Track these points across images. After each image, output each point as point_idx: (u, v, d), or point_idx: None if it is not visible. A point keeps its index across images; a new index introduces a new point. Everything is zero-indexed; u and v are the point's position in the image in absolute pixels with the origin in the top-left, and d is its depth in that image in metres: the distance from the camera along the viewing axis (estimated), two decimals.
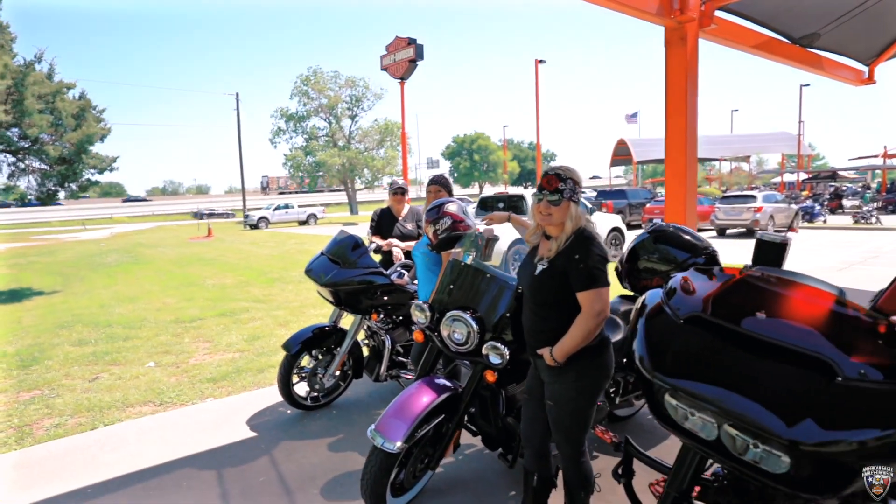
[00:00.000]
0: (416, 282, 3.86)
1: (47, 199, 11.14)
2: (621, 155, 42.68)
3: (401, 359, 4.07)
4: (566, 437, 2.25)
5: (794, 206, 19.65)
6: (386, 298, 3.94)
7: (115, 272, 12.92)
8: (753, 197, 18.02)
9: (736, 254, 13.41)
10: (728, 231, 18.48)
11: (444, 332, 2.66)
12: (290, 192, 61.73)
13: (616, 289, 2.70)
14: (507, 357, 2.46)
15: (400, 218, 4.64)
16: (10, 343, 6.57)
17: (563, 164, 2.29)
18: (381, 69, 18.30)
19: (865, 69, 9.35)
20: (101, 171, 11.52)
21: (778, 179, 42.29)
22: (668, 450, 3.04)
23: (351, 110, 41.38)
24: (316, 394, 4.08)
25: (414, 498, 2.81)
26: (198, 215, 37.48)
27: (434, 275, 3.40)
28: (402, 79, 17.98)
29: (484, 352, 2.51)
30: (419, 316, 2.78)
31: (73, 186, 11.18)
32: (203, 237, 23.51)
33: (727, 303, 1.46)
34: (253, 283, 10.67)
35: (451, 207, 3.04)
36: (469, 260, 2.81)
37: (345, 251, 3.88)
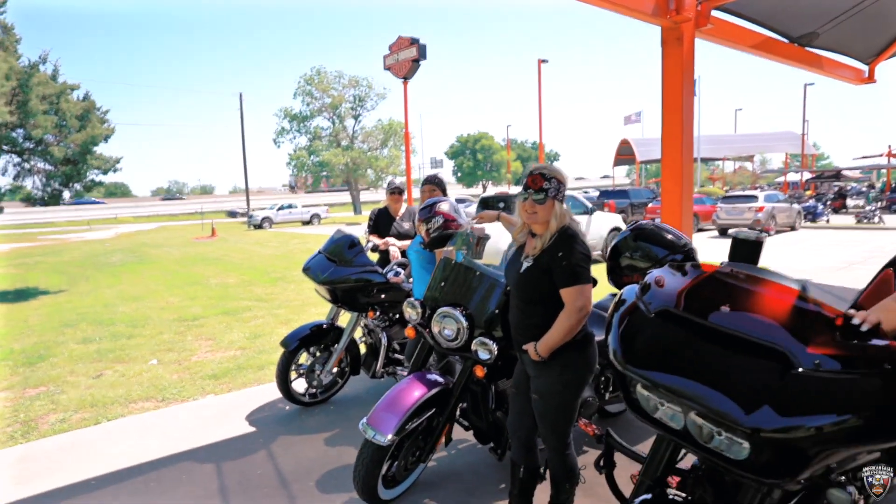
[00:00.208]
0: (411, 280, 3.93)
1: (52, 199, 11.26)
2: (625, 154, 42.66)
3: (397, 356, 4.15)
4: (552, 429, 2.32)
5: (797, 206, 19.60)
6: (382, 296, 4.01)
7: (120, 272, 13.06)
8: (755, 197, 18.00)
9: None
10: (730, 231, 18.46)
11: (435, 329, 2.73)
12: (320, 191, 61.35)
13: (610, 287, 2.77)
14: (496, 352, 2.52)
15: (397, 217, 4.72)
16: (17, 341, 6.68)
17: (548, 164, 2.35)
18: (385, 69, 18.38)
19: (866, 68, 9.35)
20: (104, 172, 11.64)
21: (782, 179, 42.18)
22: (651, 442, 3.11)
23: (354, 110, 41.51)
24: (314, 390, 4.16)
25: (406, 490, 2.88)
26: (231, 214, 36.02)
27: (428, 273, 3.47)
28: (406, 78, 18.05)
29: (473, 347, 2.58)
30: (411, 313, 2.85)
31: (78, 187, 11.31)
32: (207, 237, 23.66)
33: (696, 297, 1.52)
34: (256, 282, 10.77)
35: (443, 206, 3.11)
36: (461, 258, 2.88)
37: (341, 250, 3.95)
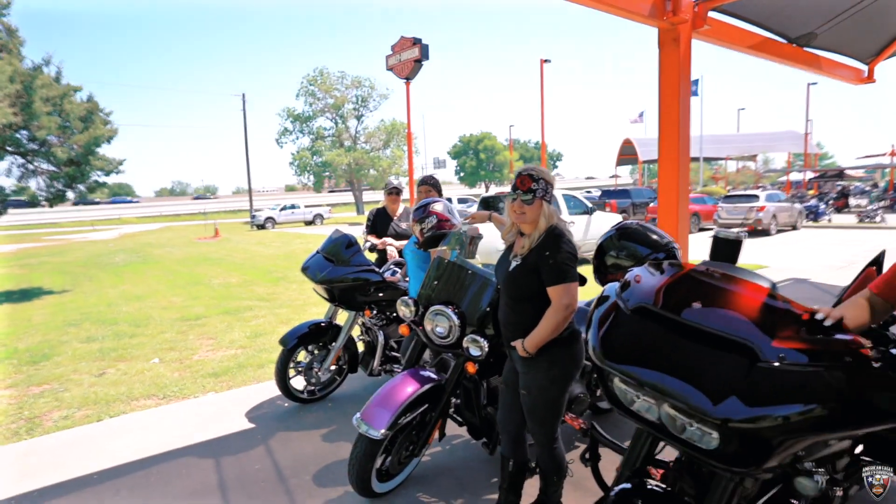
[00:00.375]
0: (407, 279, 3.99)
1: (55, 200, 11.35)
2: (627, 154, 42.64)
3: (394, 353, 4.21)
4: (540, 424, 2.37)
5: (798, 206, 19.58)
6: (380, 295, 4.08)
7: (123, 272, 13.16)
8: (756, 196, 18.01)
9: (741, 253, 13.42)
10: (731, 230, 18.45)
11: (428, 326, 2.79)
12: (341, 191, 60.83)
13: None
14: (486, 349, 2.58)
15: (395, 217, 4.78)
16: (21, 340, 6.77)
17: (535, 165, 2.41)
18: (387, 69, 18.43)
19: (865, 68, 9.36)
20: (108, 173, 11.73)
21: (785, 179, 42.08)
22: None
23: (357, 110, 41.61)
24: (312, 387, 4.23)
25: (400, 484, 2.95)
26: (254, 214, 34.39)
27: (423, 272, 3.53)
28: (408, 79, 18.10)
29: (464, 345, 2.64)
30: (404, 311, 2.92)
31: (81, 188, 11.40)
32: (210, 237, 23.77)
33: (672, 294, 1.58)
34: (258, 282, 10.85)
35: (437, 207, 3.17)
36: (455, 257, 2.94)
37: (339, 249, 4.02)
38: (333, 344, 4.19)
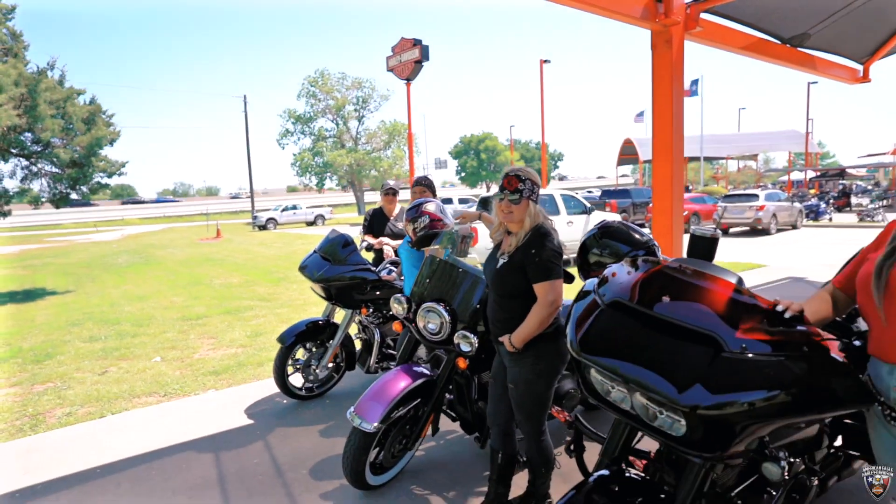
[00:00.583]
0: (402, 277, 4.07)
1: (59, 201, 11.47)
2: (628, 154, 42.68)
3: (390, 351, 4.29)
4: (527, 417, 2.45)
5: (798, 205, 19.62)
6: (377, 293, 4.16)
7: (126, 272, 13.27)
8: (756, 196, 18.04)
9: (737, 252, 13.49)
10: (731, 230, 18.52)
11: (420, 323, 2.87)
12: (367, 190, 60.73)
13: None
14: (476, 345, 2.66)
15: (391, 217, 4.86)
16: (25, 340, 6.86)
17: (522, 166, 2.49)
18: (388, 70, 18.52)
19: (860, 67, 9.41)
20: (110, 175, 11.83)
21: (786, 178, 42.08)
22: None
23: (358, 111, 41.73)
24: (310, 384, 4.31)
25: (394, 477, 3.03)
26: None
27: (417, 270, 3.61)
28: (408, 80, 18.18)
29: (455, 340, 2.72)
30: (397, 308, 3.00)
31: (84, 189, 11.51)
32: (212, 238, 23.89)
33: (646, 289, 1.65)
34: (259, 282, 10.95)
35: (430, 207, 3.25)
36: (448, 256, 3.02)
37: (335, 249, 4.10)
38: (331, 342, 4.27)
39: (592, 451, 2.35)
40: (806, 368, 1.40)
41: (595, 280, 1.88)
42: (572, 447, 2.22)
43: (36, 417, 4.28)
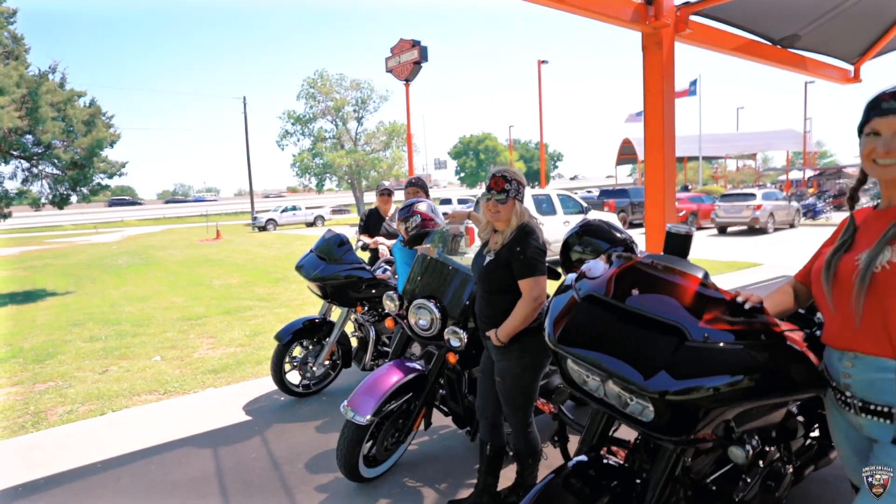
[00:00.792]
0: (396, 276, 4.16)
1: (59, 203, 11.56)
2: (627, 154, 42.78)
3: (385, 348, 4.37)
4: (514, 409, 2.54)
5: (795, 204, 19.72)
6: (373, 291, 4.24)
7: (126, 273, 13.36)
8: (753, 195, 18.14)
9: (734, 251, 13.58)
10: (729, 229, 18.61)
11: (412, 319, 2.95)
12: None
13: None
14: (465, 340, 2.75)
15: (387, 217, 4.95)
16: (26, 340, 6.95)
17: (508, 167, 2.58)
18: (387, 71, 18.61)
19: (851, 68, 9.47)
20: (110, 176, 11.93)
21: (784, 177, 42.18)
22: None
23: (357, 112, 41.80)
24: (307, 381, 4.40)
25: (388, 470, 3.11)
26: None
27: (410, 268, 3.70)
28: (407, 80, 18.26)
29: (445, 336, 2.80)
30: (389, 305, 3.09)
31: (85, 190, 11.60)
32: (212, 239, 23.98)
33: (619, 284, 1.74)
34: (258, 282, 11.03)
35: (421, 207, 3.34)
36: (440, 254, 3.11)
37: (331, 248, 4.19)
38: (327, 339, 4.36)
39: (577, 442, 2.44)
40: (764, 355, 1.49)
41: (574, 275, 1.96)
42: (556, 438, 2.31)
43: (38, 415, 4.37)
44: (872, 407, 1.40)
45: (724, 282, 9.01)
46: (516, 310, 2.39)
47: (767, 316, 1.54)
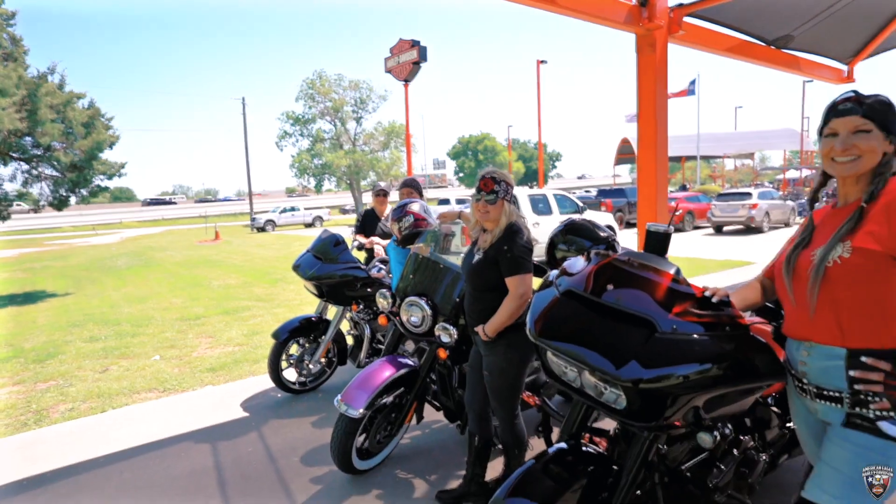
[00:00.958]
0: (391, 275, 4.24)
1: (59, 204, 11.64)
2: (626, 153, 42.89)
3: (380, 346, 4.46)
4: (501, 402, 2.62)
5: (791, 203, 19.83)
6: (368, 290, 4.33)
7: (125, 274, 13.44)
8: (749, 194, 18.25)
9: (729, 250, 13.68)
10: (725, 228, 18.71)
11: (404, 317, 3.04)
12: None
13: None
14: (456, 336, 2.84)
15: (382, 218, 5.04)
16: (27, 340, 7.04)
17: (497, 168, 2.66)
18: (386, 71, 18.65)
19: (845, 68, 9.55)
20: (110, 177, 12.01)
21: (781, 176, 42.27)
22: None
23: (356, 112, 41.86)
24: (303, 379, 4.48)
25: (381, 462, 3.20)
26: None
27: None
28: (406, 81, 18.30)
29: (436, 332, 2.89)
30: (382, 303, 3.18)
31: (84, 192, 11.68)
32: (211, 240, 24.05)
33: (597, 280, 1.82)
34: (256, 283, 11.12)
35: (414, 207, 3.43)
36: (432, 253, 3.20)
37: (327, 248, 4.28)
38: (323, 337, 4.45)
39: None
40: (729, 345, 1.58)
41: (556, 272, 2.05)
42: (540, 428, 2.40)
43: (40, 413, 4.45)
44: (825, 392, 1.49)
45: (717, 280, 9.10)
46: (503, 306, 2.48)
47: (733, 309, 1.63)
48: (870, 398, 1.40)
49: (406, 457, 3.33)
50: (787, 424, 2.57)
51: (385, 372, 2.94)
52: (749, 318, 2.22)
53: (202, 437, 3.80)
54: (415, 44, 17.94)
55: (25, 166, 11.26)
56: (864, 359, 1.41)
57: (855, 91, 1.53)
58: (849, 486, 1.41)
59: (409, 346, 3.86)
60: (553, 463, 1.85)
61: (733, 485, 2.22)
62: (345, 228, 17.87)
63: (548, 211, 12.16)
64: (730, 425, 2.13)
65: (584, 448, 1.96)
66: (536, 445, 2.94)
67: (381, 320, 3.35)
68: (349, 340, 4.73)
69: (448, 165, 65.65)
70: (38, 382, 5.28)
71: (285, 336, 4.30)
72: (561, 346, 1.73)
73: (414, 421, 3.28)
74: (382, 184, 5.03)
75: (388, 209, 5.07)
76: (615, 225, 13.78)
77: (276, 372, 4.30)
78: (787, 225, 19.01)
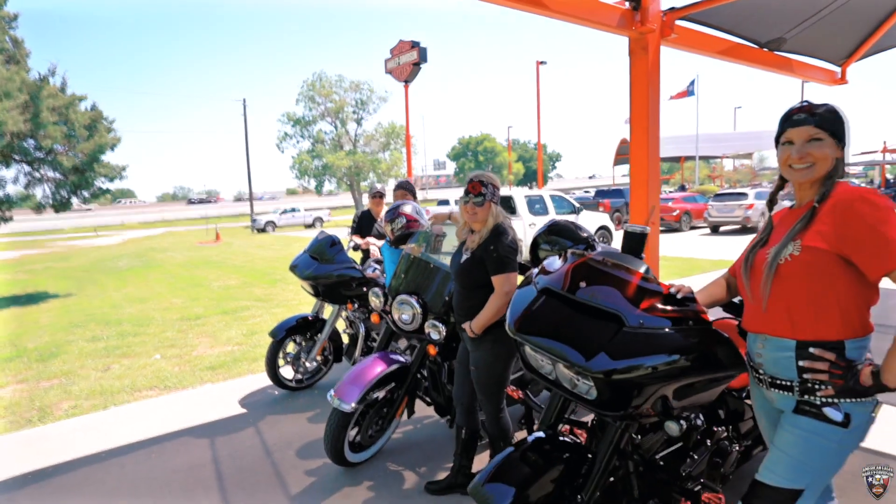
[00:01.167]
0: (384, 274, 4.35)
1: (61, 206, 11.75)
2: (624, 154, 42.98)
3: (375, 344, 4.56)
4: (487, 396, 2.73)
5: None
6: (363, 290, 4.44)
7: (126, 275, 13.56)
8: (745, 194, 18.33)
9: (724, 250, 13.77)
10: (721, 228, 18.80)
11: (395, 315, 3.15)
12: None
13: None
14: (445, 333, 2.95)
15: (378, 219, 5.15)
16: (30, 340, 7.15)
17: (484, 172, 2.77)
18: (386, 72, 18.76)
19: (838, 70, 9.62)
20: (111, 180, 12.12)
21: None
22: None
23: (356, 114, 41.98)
24: (300, 376, 4.59)
25: (373, 455, 3.31)
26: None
27: None
28: (406, 82, 18.40)
29: (426, 329, 3.00)
30: (374, 301, 3.29)
31: (86, 194, 11.80)
32: (211, 241, 24.18)
33: (573, 278, 1.93)
34: (256, 283, 11.23)
35: (406, 209, 3.54)
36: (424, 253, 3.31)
37: (323, 249, 4.38)
38: (319, 336, 4.56)
39: None
40: (692, 338, 1.69)
41: (536, 270, 2.16)
42: (523, 421, 2.50)
43: (44, 410, 4.56)
44: (778, 381, 1.60)
45: (709, 280, 9.18)
46: (489, 303, 2.59)
47: (697, 305, 1.73)
48: (817, 386, 1.51)
49: (397, 450, 3.44)
50: None
51: (376, 368, 3.05)
52: (722, 314, 2.33)
53: (201, 432, 3.91)
54: (415, 45, 18.02)
55: (28, 168, 11.38)
56: (811, 350, 1.51)
57: (807, 101, 1.63)
58: (795, 467, 1.52)
59: (403, 343, 3.97)
60: (530, 451, 1.96)
61: (706, 474, 2.33)
62: (344, 230, 17.98)
63: (544, 212, 12.27)
64: (702, 416, 2.23)
65: (560, 437, 2.07)
66: (521, 438, 3.04)
67: (374, 318, 3.46)
68: (345, 339, 4.84)
69: (448, 166, 65.76)
70: (42, 381, 5.39)
71: (282, 334, 4.41)
72: (537, 341, 1.84)
73: (405, 416, 3.38)
74: (378, 186, 5.14)
75: (384, 210, 5.18)
76: (611, 225, 13.88)
77: (273, 369, 4.40)
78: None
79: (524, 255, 2.74)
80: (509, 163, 55.73)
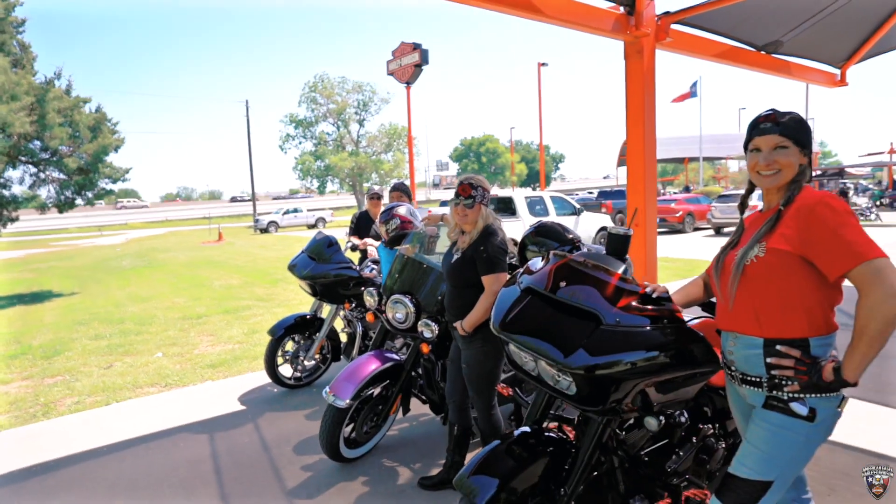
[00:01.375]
0: (381, 274, 4.43)
1: (65, 207, 11.89)
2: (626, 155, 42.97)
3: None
4: (478, 393, 2.80)
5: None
6: (361, 289, 4.51)
7: (130, 275, 13.68)
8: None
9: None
10: (724, 229, 18.81)
11: (389, 314, 3.22)
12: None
13: None
14: (437, 332, 3.02)
15: (376, 220, 5.22)
16: (35, 338, 7.25)
17: (474, 174, 2.84)
18: (388, 74, 18.86)
19: (837, 72, 9.65)
20: (115, 181, 12.26)
21: None
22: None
23: (358, 115, 42.12)
24: (298, 374, 4.67)
25: (368, 452, 3.38)
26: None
27: None
28: (408, 83, 18.50)
29: (419, 328, 3.07)
30: (369, 300, 3.36)
31: (90, 195, 11.93)
32: (214, 241, 24.31)
33: (555, 278, 2.00)
34: (257, 283, 11.33)
35: (401, 210, 3.61)
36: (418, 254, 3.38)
37: (321, 249, 4.46)
38: (317, 334, 4.63)
39: None
40: (666, 336, 1.75)
41: (520, 270, 2.23)
42: (512, 417, 2.57)
43: (47, 406, 4.65)
44: (749, 378, 1.66)
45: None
46: (479, 303, 2.66)
47: (672, 304, 1.80)
48: (784, 382, 1.57)
49: (392, 447, 3.51)
50: None
51: (371, 365, 3.12)
52: (701, 313, 2.40)
53: (201, 428, 3.99)
54: (416, 46, 18.10)
55: (33, 169, 11.51)
56: (778, 347, 1.58)
57: (773, 110, 1.70)
58: (764, 460, 1.59)
59: (399, 342, 4.04)
60: (515, 445, 2.02)
61: (692, 470, 2.39)
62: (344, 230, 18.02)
63: (545, 213, 12.33)
64: (686, 413, 2.30)
65: (546, 433, 2.14)
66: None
67: (369, 317, 3.54)
68: (342, 337, 4.92)
69: (451, 168, 65.85)
70: (46, 377, 5.49)
71: (281, 333, 4.49)
72: (520, 339, 1.90)
73: (400, 413, 3.46)
74: (376, 187, 5.22)
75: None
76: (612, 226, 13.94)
77: (272, 368, 4.48)
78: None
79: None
80: (512, 164, 55.73)
